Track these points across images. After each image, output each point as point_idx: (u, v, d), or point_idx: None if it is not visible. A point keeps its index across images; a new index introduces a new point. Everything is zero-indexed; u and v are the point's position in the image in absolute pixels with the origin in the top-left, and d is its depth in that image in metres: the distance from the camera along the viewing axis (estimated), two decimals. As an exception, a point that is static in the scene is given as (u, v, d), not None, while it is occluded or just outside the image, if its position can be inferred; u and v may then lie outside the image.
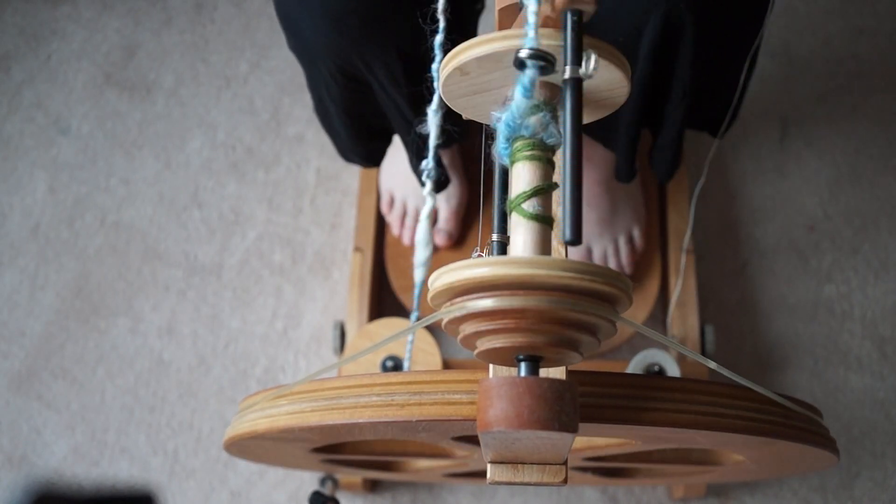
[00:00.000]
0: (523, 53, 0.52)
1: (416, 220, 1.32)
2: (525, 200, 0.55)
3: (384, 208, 1.33)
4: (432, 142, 0.70)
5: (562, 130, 0.51)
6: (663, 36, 0.92)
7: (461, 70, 0.57)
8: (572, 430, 0.51)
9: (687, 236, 1.15)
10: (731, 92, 1.05)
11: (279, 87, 1.50)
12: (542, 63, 0.52)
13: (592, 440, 0.81)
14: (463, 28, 1.03)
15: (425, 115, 0.70)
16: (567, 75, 0.52)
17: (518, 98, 0.53)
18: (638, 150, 1.14)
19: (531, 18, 0.52)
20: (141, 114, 1.49)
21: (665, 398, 0.63)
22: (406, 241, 1.32)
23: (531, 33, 0.52)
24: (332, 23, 0.92)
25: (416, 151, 1.13)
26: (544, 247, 0.54)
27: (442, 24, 0.67)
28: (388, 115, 1.07)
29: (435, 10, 0.66)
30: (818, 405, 0.74)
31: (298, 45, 1.00)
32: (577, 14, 0.53)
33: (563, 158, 0.51)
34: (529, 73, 0.52)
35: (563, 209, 0.50)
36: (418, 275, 0.75)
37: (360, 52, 0.95)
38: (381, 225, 1.34)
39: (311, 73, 1.07)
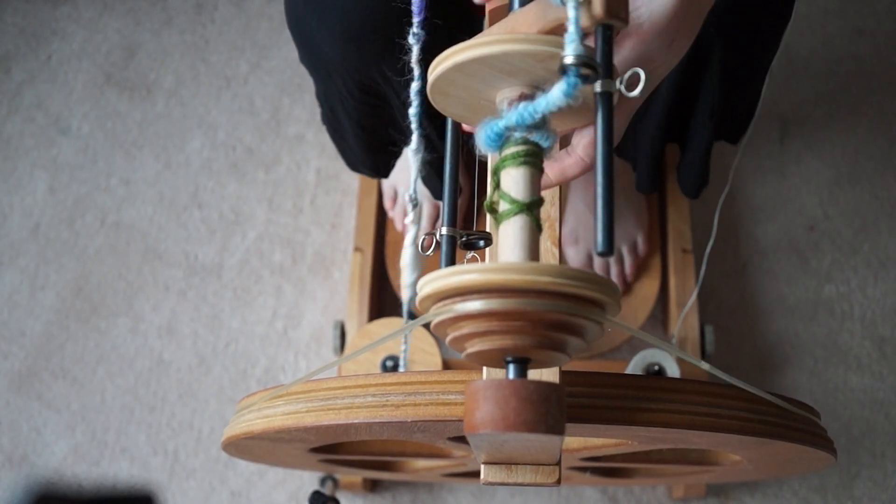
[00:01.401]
0: (569, 60, 0.52)
1: (419, 217, 1.31)
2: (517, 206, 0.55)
3: (387, 204, 1.33)
4: (413, 175, 0.71)
5: (596, 145, 0.52)
6: (691, 57, 0.92)
7: (451, 75, 0.57)
8: (559, 432, 0.51)
9: (709, 246, 1.16)
10: (752, 102, 1.06)
11: (279, 87, 1.50)
12: (587, 72, 0.52)
13: (589, 440, 0.81)
14: (470, 25, 1.02)
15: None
16: (599, 89, 0.52)
17: (555, 98, 0.52)
18: (662, 164, 1.15)
19: (572, 26, 0.52)
20: (141, 114, 1.49)
21: (663, 399, 0.63)
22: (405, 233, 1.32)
23: (575, 40, 0.52)
24: (352, 40, 0.91)
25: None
26: (533, 250, 0.54)
27: (417, 72, 0.67)
28: (402, 129, 1.06)
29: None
30: (818, 405, 0.74)
31: (314, 60, 0.99)
32: (610, 29, 0.53)
33: (595, 174, 0.51)
34: (572, 80, 0.52)
35: (596, 221, 0.50)
36: (405, 295, 0.76)
37: (378, 67, 0.94)
38: (381, 225, 1.34)
39: (325, 87, 1.06)
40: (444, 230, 0.63)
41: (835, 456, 0.74)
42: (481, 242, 0.66)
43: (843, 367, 1.31)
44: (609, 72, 0.53)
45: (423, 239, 0.66)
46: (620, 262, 1.28)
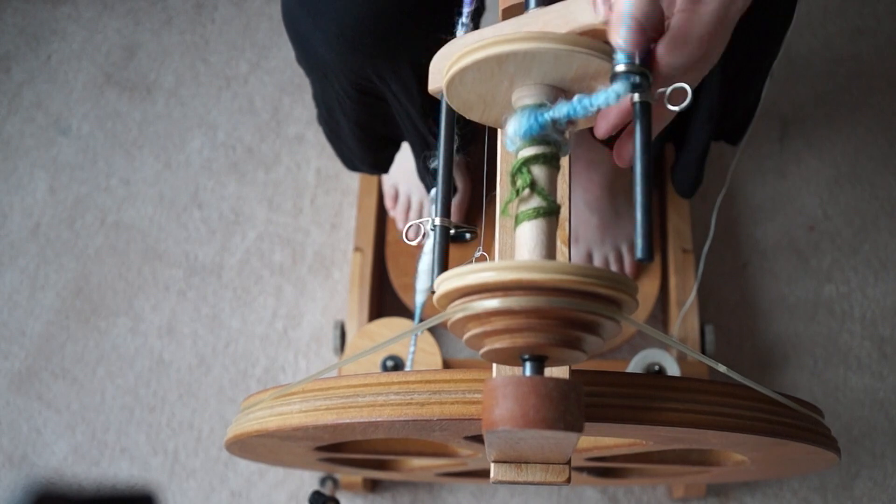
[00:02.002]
0: (621, 68, 0.53)
1: (421, 215, 1.32)
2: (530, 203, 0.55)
3: (388, 203, 1.33)
4: (439, 189, 0.71)
5: (634, 153, 0.53)
6: None
7: (462, 76, 0.57)
8: (577, 429, 0.51)
9: (706, 245, 1.16)
10: (752, 104, 1.06)
11: (279, 87, 1.50)
12: (638, 80, 0.53)
13: (599, 440, 0.81)
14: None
15: (435, 123, 0.71)
16: (638, 98, 0.54)
17: (607, 99, 0.53)
18: (661, 163, 1.15)
19: (624, 32, 0.53)
20: (141, 114, 1.49)
21: (667, 397, 0.63)
22: (400, 225, 1.32)
23: (625, 47, 0.53)
24: (348, 42, 0.92)
25: (426, 160, 1.12)
26: (551, 249, 0.54)
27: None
28: (400, 125, 1.07)
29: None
30: (818, 405, 0.74)
31: (310, 60, 1.00)
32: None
33: (633, 181, 0.52)
34: (622, 86, 0.53)
35: (636, 227, 0.51)
36: (419, 298, 0.76)
37: (374, 68, 0.94)
38: (381, 225, 1.34)
39: (322, 87, 1.06)
40: (437, 220, 0.63)
41: (839, 455, 0.74)
42: (467, 235, 0.66)
43: (843, 367, 1.31)
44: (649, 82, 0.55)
45: (409, 228, 0.66)
46: (620, 261, 1.28)
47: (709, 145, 1.11)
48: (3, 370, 1.32)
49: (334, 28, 0.91)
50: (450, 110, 0.64)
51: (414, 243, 0.65)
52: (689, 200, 1.33)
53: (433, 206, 0.65)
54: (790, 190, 1.42)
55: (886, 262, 1.37)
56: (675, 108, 0.55)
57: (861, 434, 1.27)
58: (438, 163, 0.64)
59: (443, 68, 0.61)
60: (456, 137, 0.70)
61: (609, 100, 0.53)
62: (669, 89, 0.55)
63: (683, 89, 0.54)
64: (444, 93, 0.58)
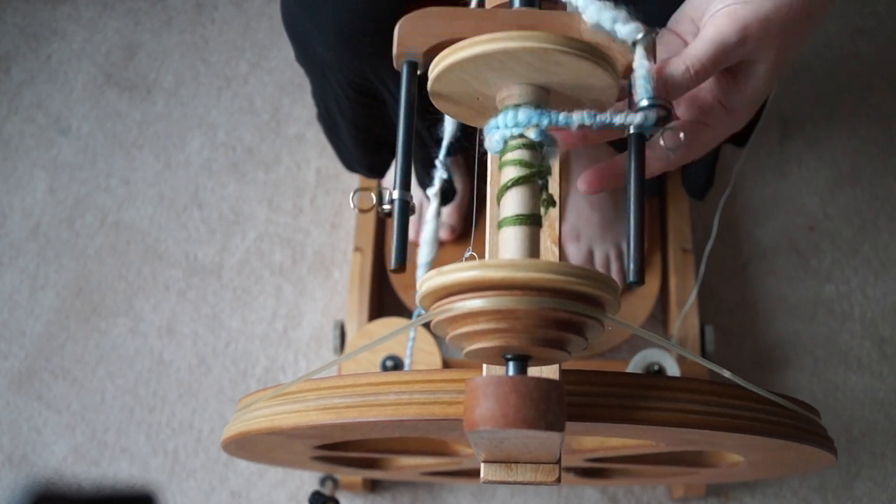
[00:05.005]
0: (645, 103, 0.55)
1: (420, 216, 1.32)
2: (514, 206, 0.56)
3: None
4: (445, 143, 0.71)
5: (627, 180, 0.56)
6: None
7: (450, 74, 0.57)
8: (559, 428, 0.51)
9: (708, 246, 1.16)
10: (761, 106, 1.06)
11: (279, 87, 1.50)
12: (663, 113, 0.55)
13: (605, 441, 0.81)
14: None
15: (431, 120, 0.71)
16: (633, 130, 0.56)
17: (626, 121, 0.55)
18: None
19: (641, 70, 0.55)
20: (141, 114, 1.49)
21: (664, 397, 0.63)
22: (412, 236, 1.32)
23: (646, 83, 0.55)
24: (345, 42, 0.92)
25: (424, 164, 1.12)
26: (532, 248, 0.54)
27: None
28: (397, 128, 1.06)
29: None
30: (818, 405, 0.74)
31: (308, 60, 0.99)
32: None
33: (626, 207, 0.55)
34: (645, 117, 0.55)
35: (628, 251, 0.54)
36: (421, 273, 0.75)
37: (372, 67, 0.94)
38: (381, 225, 1.34)
39: (320, 86, 1.06)
40: (395, 193, 0.62)
41: (835, 455, 0.74)
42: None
43: (843, 367, 1.31)
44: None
45: (355, 194, 0.65)
46: (620, 258, 1.28)
47: (720, 147, 1.11)
48: (3, 370, 1.32)
49: (332, 27, 0.91)
50: (413, 77, 0.63)
51: (365, 211, 0.65)
52: (689, 200, 1.33)
53: (396, 176, 0.64)
54: (790, 190, 1.42)
55: (886, 262, 1.36)
56: (671, 148, 0.56)
57: (861, 434, 1.27)
58: (398, 133, 0.63)
59: (418, 33, 0.60)
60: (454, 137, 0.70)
61: (625, 122, 0.55)
62: (663, 130, 0.56)
63: (678, 135, 0.56)
64: (442, 65, 0.58)
